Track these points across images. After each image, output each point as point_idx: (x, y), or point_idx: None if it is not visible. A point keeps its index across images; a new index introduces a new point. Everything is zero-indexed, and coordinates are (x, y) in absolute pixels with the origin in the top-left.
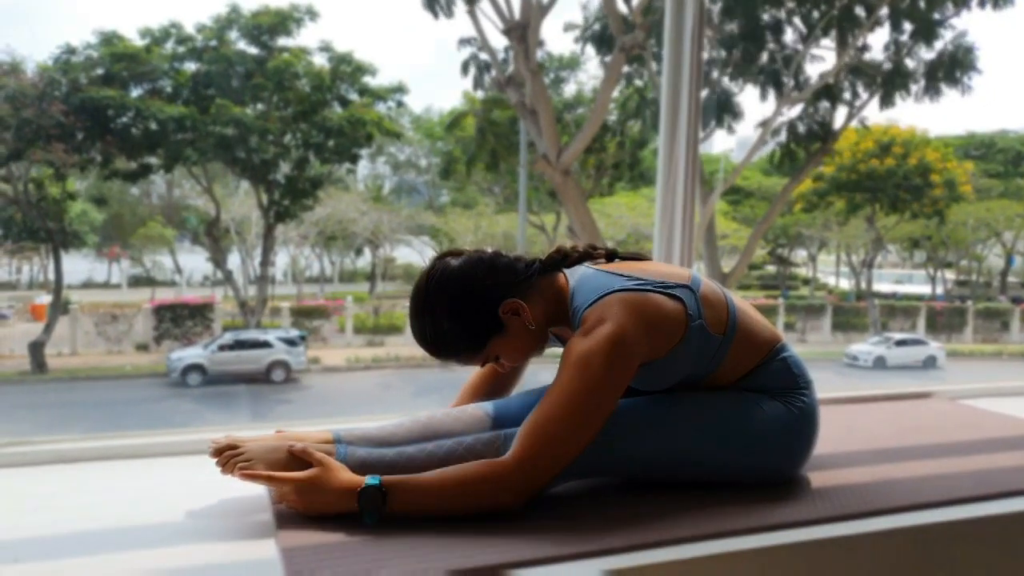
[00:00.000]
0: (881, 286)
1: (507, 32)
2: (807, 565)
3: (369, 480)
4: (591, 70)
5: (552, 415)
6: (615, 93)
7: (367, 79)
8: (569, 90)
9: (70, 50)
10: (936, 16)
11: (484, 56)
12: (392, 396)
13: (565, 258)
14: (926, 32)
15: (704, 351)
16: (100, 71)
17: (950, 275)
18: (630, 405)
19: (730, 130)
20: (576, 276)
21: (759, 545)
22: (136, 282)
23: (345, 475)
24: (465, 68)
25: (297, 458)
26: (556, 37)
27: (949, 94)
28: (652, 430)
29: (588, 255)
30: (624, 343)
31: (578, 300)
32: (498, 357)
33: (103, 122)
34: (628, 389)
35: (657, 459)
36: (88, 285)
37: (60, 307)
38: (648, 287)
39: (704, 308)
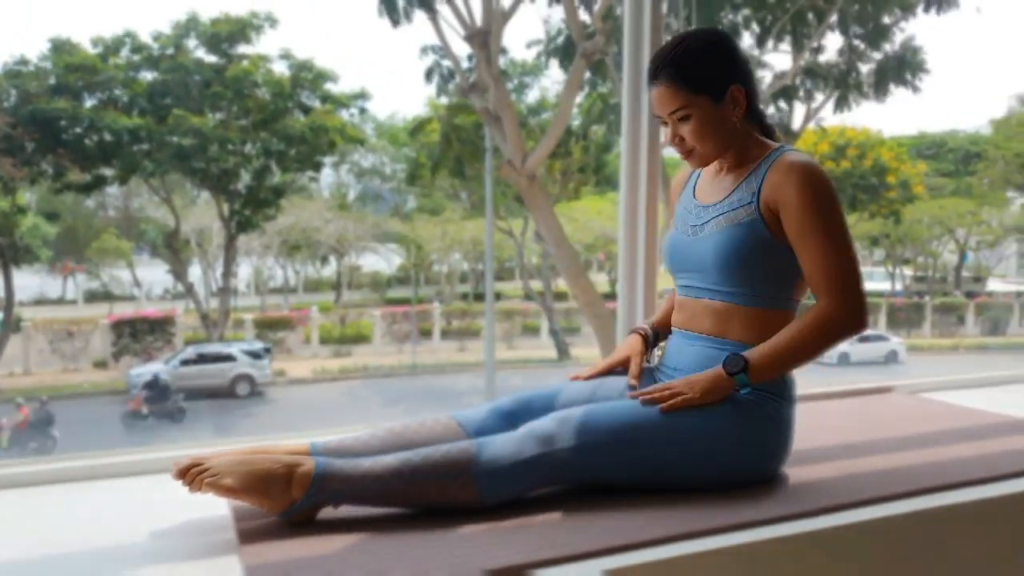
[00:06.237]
0: None
1: (469, 39)
2: (776, 561)
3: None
4: (554, 75)
5: (826, 248)
6: (579, 98)
7: (329, 86)
8: (533, 95)
9: (22, 61)
10: (885, 20)
11: (447, 63)
12: (360, 407)
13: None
14: (874, 36)
15: (785, 287)
16: (51, 81)
17: (908, 271)
18: (607, 413)
19: None
20: None
21: (744, 541)
22: (92, 297)
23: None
24: (429, 75)
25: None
26: (519, 43)
27: (900, 95)
28: (628, 439)
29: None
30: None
31: (780, 149)
32: (683, 131)
33: (54, 134)
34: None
35: (633, 467)
36: (41, 301)
37: (11, 325)
38: None
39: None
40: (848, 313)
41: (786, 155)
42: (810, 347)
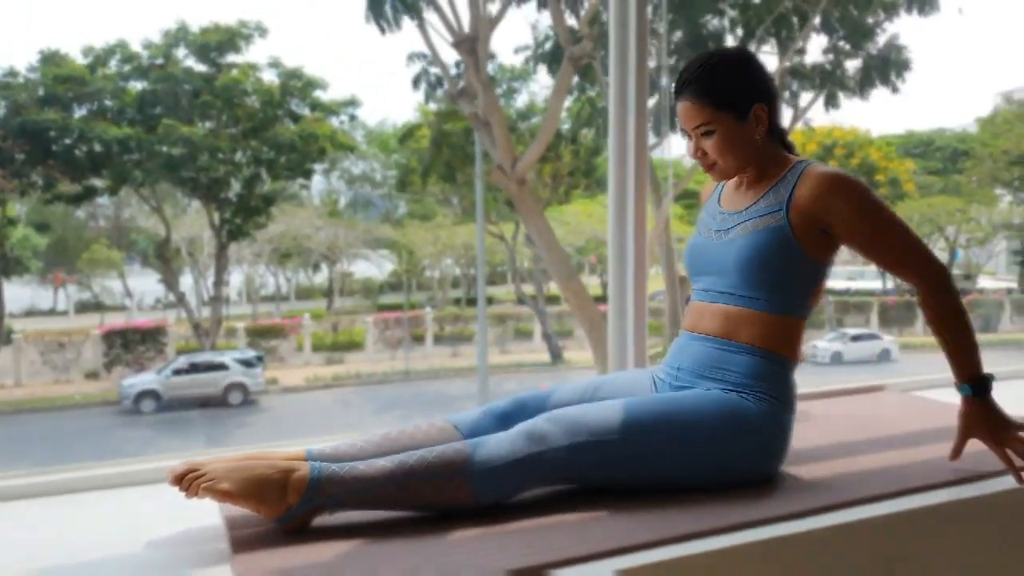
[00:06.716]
0: (835, 283)
1: (457, 45)
2: (785, 559)
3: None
4: (543, 80)
5: (894, 235)
6: (568, 102)
7: (318, 93)
8: (522, 100)
9: (11, 72)
10: (869, 21)
11: (435, 70)
12: (354, 414)
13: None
14: (858, 37)
15: (801, 294)
16: (41, 92)
17: None
18: (600, 412)
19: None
20: None
21: (758, 539)
22: (84, 308)
23: None
24: (416, 82)
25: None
26: (507, 48)
27: (887, 94)
28: (621, 438)
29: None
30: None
31: (802, 162)
32: (706, 145)
33: (44, 145)
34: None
35: (627, 467)
36: (32, 313)
37: (2, 336)
38: None
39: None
40: (937, 274)
41: (813, 167)
42: (961, 319)
